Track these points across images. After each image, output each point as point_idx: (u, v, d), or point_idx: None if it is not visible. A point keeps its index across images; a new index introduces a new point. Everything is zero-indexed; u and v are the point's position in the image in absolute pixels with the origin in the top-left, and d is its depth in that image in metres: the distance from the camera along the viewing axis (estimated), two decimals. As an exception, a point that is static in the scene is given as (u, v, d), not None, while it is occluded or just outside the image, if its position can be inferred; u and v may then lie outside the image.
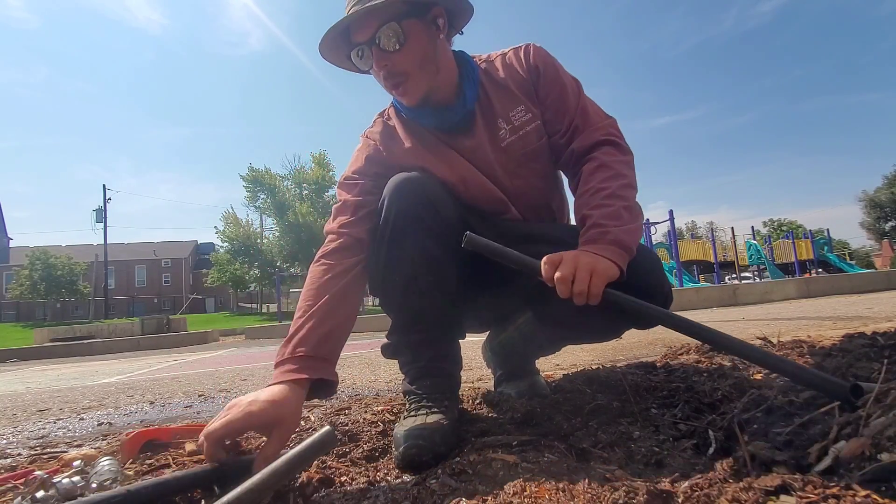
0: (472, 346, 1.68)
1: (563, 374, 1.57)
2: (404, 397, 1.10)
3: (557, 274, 0.84)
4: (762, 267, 16.87)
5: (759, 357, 0.77)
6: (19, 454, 1.25)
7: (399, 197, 1.01)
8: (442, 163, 1.10)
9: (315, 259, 1.05)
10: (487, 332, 1.47)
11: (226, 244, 32.71)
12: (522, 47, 1.15)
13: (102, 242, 31.45)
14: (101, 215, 31.32)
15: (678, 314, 0.85)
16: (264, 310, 37.90)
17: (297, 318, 0.96)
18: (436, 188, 1.05)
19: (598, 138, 1.07)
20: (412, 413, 0.99)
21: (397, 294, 1.06)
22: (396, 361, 1.14)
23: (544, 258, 0.88)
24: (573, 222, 1.26)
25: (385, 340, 1.15)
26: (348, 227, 1.06)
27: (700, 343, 1.82)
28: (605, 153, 1.06)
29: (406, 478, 0.80)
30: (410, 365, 1.08)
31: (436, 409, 0.97)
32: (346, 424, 1.15)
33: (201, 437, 0.79)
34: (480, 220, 1.12)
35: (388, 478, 0.81)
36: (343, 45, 1.04)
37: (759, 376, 1.18)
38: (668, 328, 0.84)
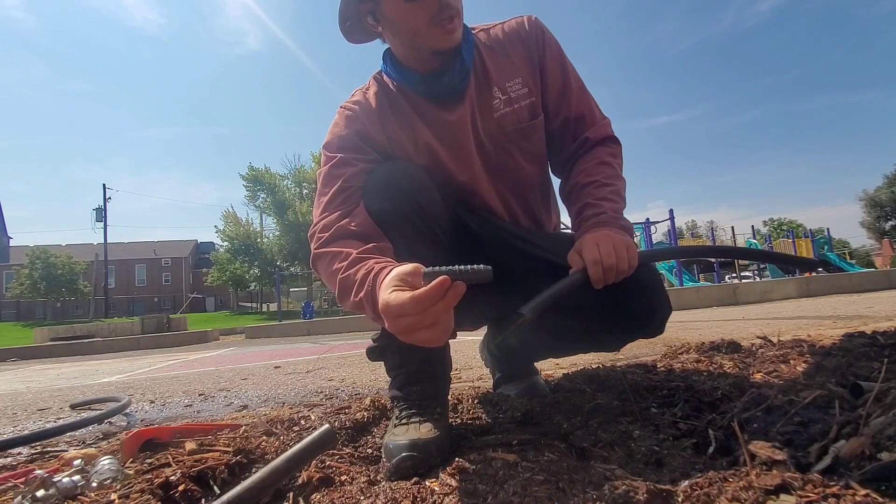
0: (472, 345, 1.68)
1: (563, 374, 1.57)
2: (392, 403, 1.04)
3: (608, 262, 0.87)
4: (762, 266, 16.86)
5: (753, 253, 0.89)
6: (19, 453, 1.25)
7: (382, 196, 0.92)
8: (418, 134, 1.04)
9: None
10: (484, 332, 1.46)
11: (226, 243, 32.79)
12: (525, 19, 1.10)
13: (102, 241, 31.56)
14: (101, 214, 31.42)
15: (691, 245, 0.93)
16: (264, 309, 37.94)
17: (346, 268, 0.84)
18: (422, 182, 0.96)
19: (609, 133, 1.11)
20: (403, 421, 0.93)
21: None
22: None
23: (572, 258, 0.92)
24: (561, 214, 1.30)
25: (371, 343, 1.07)
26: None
27: (700, 342, 1.82)
28: (609, 152, 1.09)
29: (406, 477, 0.80)
30: (398, 370, 1.02)
31: (427, 419, 0.92)
32: (346, 423, 1.15)
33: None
34: (469, 214, 1.08)
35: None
36: None
37: (759, 376, 1.18)
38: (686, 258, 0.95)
